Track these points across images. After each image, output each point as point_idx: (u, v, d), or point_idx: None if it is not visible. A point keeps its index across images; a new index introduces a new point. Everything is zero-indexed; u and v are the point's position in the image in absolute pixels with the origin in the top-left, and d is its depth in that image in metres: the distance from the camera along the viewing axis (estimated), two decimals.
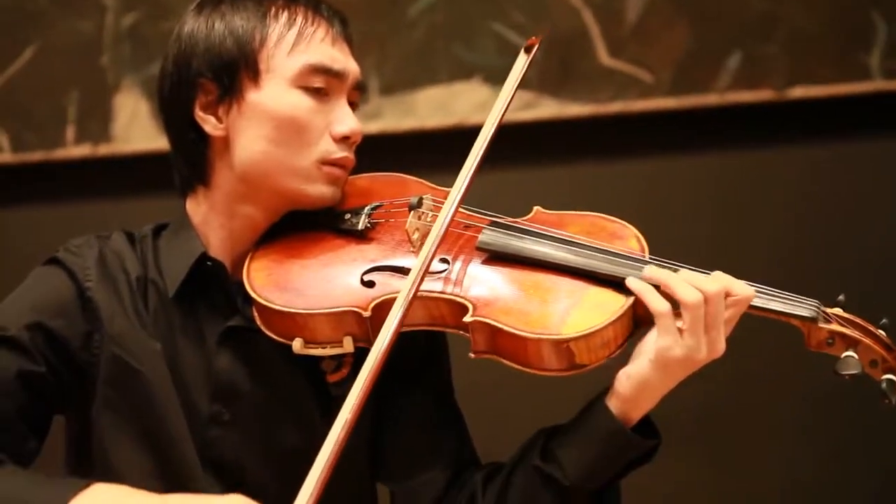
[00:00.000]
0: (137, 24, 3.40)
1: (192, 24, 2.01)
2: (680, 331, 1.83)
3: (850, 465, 3.30)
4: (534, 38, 2.02)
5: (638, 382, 1.85)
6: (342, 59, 2.01)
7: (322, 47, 1.99)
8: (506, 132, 3.26)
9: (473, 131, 3.22)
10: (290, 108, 1.97)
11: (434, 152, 3.29)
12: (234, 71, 1.97)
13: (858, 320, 1.92)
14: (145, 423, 1.94)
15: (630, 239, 1.97)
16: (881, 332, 1.92)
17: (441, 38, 3.29)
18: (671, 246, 3.24)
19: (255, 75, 1.97)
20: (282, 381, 1.95)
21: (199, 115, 1.99)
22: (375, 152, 3.27)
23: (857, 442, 3.29)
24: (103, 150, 3.40)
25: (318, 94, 1.99)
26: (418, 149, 3.29)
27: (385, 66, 3.30)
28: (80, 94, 3.41)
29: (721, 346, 1.85)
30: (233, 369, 1.95)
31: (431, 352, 2.01)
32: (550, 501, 1.88)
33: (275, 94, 1.97)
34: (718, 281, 1.86)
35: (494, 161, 3.28)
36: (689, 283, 1.84)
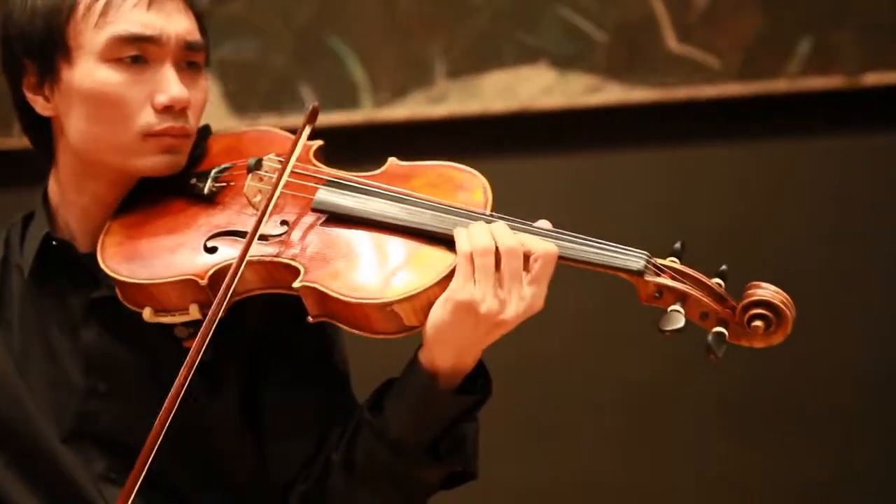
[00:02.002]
0: (206, 8, 3.42)
1: (14, 1, 1.96)
2: (473, 277, 1.78)
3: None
4: (315, 104, 1.98)
5: (432, 324, 1.80)
6: (158, 24, 1.91)
7: (134, 14, 1.91)
8: (571, 116, 3.34)
9: (538, 116, 3.30)
10: (101, 85, 1.91)
11: (499, 136, 3.33)
12: (47, 50, 1.93)
13: (691, 271, 1.83)
14: None
15: (475, 190, 1.92)
16: (716, 282, 1.83)
17: (506, 22, 3.29)
18: (735, 233, 3.26)
19: (66, 53, 1.91)
20: (152, 349, 1.96)
21: (29, 96, 1.97)
22: (441, 136, 3.31)
23: None
24: None
25: (134, 64, 1.92)
26: (483, 133, 3.30)
27: (451, 49, 3.30)
28: None
29: (514, 309, 1.79)
30: (102, 341, 1.97)
31: (303, 312, 1.94)
32: (386, 454, 1.85)
33: (85, 71, 1.91)
34: (516, 236, 1.80)
35: (557, 145, 3.34)
36: (489, 232, 1.80)
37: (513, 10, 3.28)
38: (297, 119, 3.26)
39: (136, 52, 1.92)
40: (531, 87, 3.28)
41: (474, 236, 1.80)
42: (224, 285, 1.84)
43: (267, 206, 1.87)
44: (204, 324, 1.83)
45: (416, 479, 1.88)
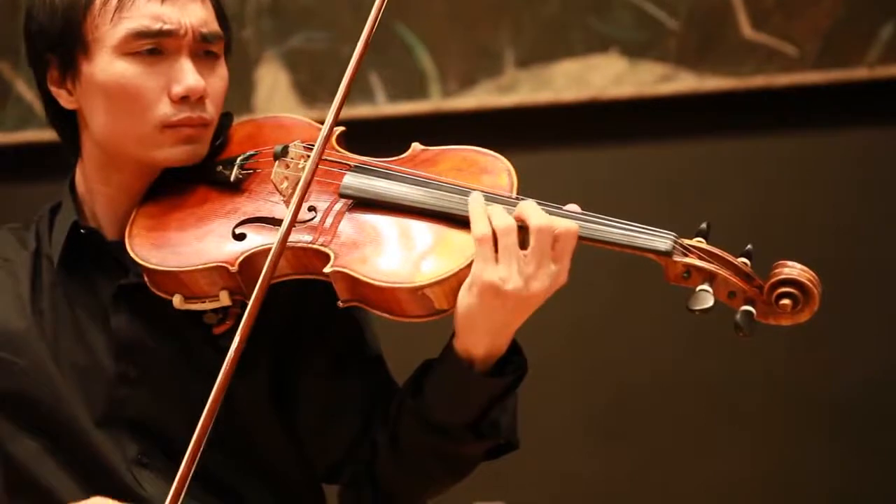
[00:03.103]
0: None
1: None
2: (496, 258, 1.81)
3: None
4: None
5: (461, 311, 1.84)
6: (174, 17, 1.95)
7: (148, 7, 1.94)
8: (642, 105, 3.32)
9: (609, 105, 3.28)
10: (118, 78, 1.95)
11: (570, 126, 3.32)
12: (66, 45, 1.97)
13: (717, 251, 1.86)
14: (30, 409, 1.99)
15: (500, 173, 1.93)
16: (742, 261, 1.85)
17: (577, 10, 3.27)
18: (814, 229, 3.22)
19: (85, 48, 1.96)
20: (181, 334, 1.99)
21: (53, 90, 2.01)
22: (510, 126, 3.31)
23: None
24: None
25: (150, 56, 1.95)
26: (553, 122, 3.28)
27: (521, 38, 3.29)
28: None
29: (540, 286, 1.82)
30: (131, 327, 2.00)
31: (333, 297, 1.97)
32: (430, 436, 1.91)
33: (102, 65, 1.95)
34: (540, 216, 1.83)
35: (629, 134, 3.32)
36: (504, 212, 1.83)
37: None
38: (365, 109, 3.32)
39: (151, 46, 1.95)
40: (602, 76, 3.27)
41: (494, 218, 1.83)
42: (263, 275, 1.85)
43: (304, 192, 1.88)
44: (245, 316, 1.84)
45: (461, 454, 1.94)
